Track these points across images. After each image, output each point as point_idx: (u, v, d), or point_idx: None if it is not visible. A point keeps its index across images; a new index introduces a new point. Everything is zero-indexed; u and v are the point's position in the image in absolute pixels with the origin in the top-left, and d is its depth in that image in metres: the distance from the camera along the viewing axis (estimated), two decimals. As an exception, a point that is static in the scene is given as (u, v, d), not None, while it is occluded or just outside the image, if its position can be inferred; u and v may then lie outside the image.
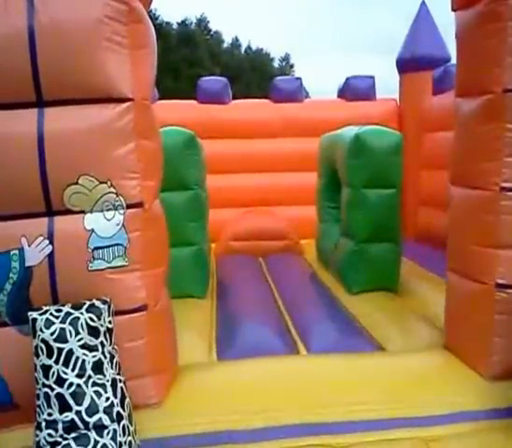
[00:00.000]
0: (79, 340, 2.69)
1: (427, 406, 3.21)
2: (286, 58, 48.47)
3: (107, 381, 2.73)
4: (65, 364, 2.65)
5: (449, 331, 3.85)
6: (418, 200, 8.24)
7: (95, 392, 2.68)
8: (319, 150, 7.19)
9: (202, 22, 42.19)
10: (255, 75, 39.64)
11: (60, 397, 2.63)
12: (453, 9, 3.63)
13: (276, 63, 46.98)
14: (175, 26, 39.11)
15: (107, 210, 2.97)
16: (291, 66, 48.77)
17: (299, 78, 9.57)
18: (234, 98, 9.41)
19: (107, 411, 2.69)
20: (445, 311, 3.89)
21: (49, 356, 2.65)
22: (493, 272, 3.34)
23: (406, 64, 8.69)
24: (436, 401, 3.25)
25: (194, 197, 5.51)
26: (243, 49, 44.10)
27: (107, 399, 2.70)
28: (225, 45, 43.23)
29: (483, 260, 3.39)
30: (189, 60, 35.85)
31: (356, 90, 9.30)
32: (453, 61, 8.02)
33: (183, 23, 40.14)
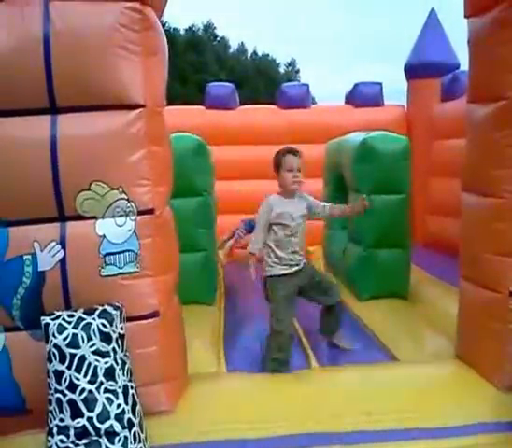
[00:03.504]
0: (92, 346, 2.69)
1: (440, 417, 3.17)
2: (292, 63, 48.62)
3: (119, 387, 2.73)
4: (78, 370, 2.66)
5: (462, 340, 3.80)
6: (426, 206, 8.22)
7: (107, 398, 2.68)
8: (325, 156, 7.17)
9: (209, 28, 42.41)
10: (261, 80, 39.76)
11: (72, 402, 2.64)
12: (466, 16, 3.60)
13: (281, 69, 47.11)
14: (182, 32, 39.35)
15: (119, 216, 2.98)
16: (297, 72, 48.87)
17: (306, 85, 9.58)
18: (240, 103, 9.42)
19: (119, 417, 2.69)
20: (457, 319, 3.85)
21: (62, 361, 2.66)
22: (507, 280, 3.30)
23: (415, 71, 8.69)
24: (449, 413, 3.20)
25: (203, 203, 5.50)
26: (249, 55, 44.27)
27: (119, 405, 2.70)
28: (231, 50, 43.41)
29: (496, 269, 3.35)
30: (196, 65, 36.01)
31: (364, 96, 9.31)
32: (462, 67, 8.03)
33: (190, 29, 40.38)
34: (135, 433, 2.73)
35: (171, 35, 34.42)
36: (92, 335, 2.70)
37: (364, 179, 5.50)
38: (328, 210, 4.20)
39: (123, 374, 2.77)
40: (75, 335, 2.67)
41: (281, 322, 3.93)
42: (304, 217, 4.08)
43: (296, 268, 4.05)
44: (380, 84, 9.44)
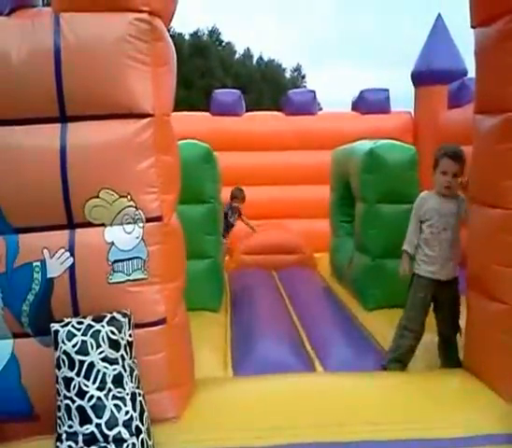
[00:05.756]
0: (100, 353, 2.71)
1: (445, 428, 3.13)
2: (297, 68, 48.60)
3: (127, 394, 2.75)
4: (87, 376, 2.68)
5: (469, 351, 3.78)
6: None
7: (115, 405, 2.70)
8: (331, 164, 7.17)
9: (214, 33, 42.49)
10: (266, 85, 39.82)
11: (81, 409, 2.66)
12: (472, 26, 3.61)
13: (287, 74, 47.13)
14: (187, 37, 39.43)
15: (127, 223, 3.00)
16: (303, 77, 48.84)
17: (312, 91, 9.62)
18: (246, 109, 9.45)
19: (127, 424, 2.70)
20: (464, 330, 3.84)
21: (71, 368, 2.68)
22: (514, 292, 3.28)
23: (422, 77, 8.70)
24: (455, 423, 3.17)
25: (211, 210, 5.53)
26: (255, 60, 44.30)
27: (127, 412, 2.72)
28: (237, 56, 43.45)
29: (504, 280, 3.32)
30: (201, 70, 36.07)
31: (370, 102, 9.33)
32: (470, 74, 8.02)
33: (195, 34, 40.46)
34: (142, 440, 2.74)
35: (176, 40, 34.52)
36: (101, 342, 2.72)
37: (371, 188, 5.51)
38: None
39: (131, 381, 2.79)
40: (84, 342, 2.70)
41: (409, 320, 4.05)
42: (454, 216, 4.00)
43: (442, 277, 4.03)
44: (387, 90, 9.46)
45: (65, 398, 2.67)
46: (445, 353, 4.14)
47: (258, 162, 8.95)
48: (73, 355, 2.68)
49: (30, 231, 2.99)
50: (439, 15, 8.79)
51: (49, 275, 2.96)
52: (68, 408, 2.66)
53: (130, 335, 2.87)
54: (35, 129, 2.95)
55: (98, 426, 2.65)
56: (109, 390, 2.69)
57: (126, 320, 2.86)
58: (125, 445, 2.67)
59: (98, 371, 2.69)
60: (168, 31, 3.23)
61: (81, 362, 2.68)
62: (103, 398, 2.67)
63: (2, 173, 2.93)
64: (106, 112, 2.98)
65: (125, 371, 2.76)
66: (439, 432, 3.11)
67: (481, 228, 3.55)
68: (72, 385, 2.66)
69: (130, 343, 2.85)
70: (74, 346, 2.68)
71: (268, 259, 7.51)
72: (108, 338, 2.75)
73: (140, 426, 2.75)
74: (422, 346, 4.30)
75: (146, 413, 2.84)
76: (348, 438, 3.07)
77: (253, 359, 4.26)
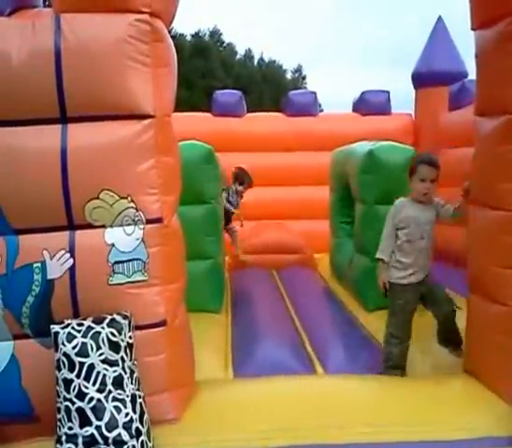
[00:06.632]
0: (100, 354, 2.71)
1: (446, 430, 3.13)
2: (298, 69, 48.66)
3: (127, 396, 2.74)
4: (87, 378, 2.67)
5: (470, 354, 3.77)
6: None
7: (115, 407, 2.69)
8: (331, 165, 7.17)
9: (215, 34, 42.56)
10: (267, 86, 39.91)
11: (81, 411, 2.66)
12: (472, 28, 3.61)
13: (288, 75, 47.19)
14: (188, 38, 39.50)
15: (127, 225, 3.00)
16: (304, 78, 48.88)
17: (313, 92, 9.63)
18: (247, 110, 9.47)
19: (127, 426, 2.70)
20: (466, 332, 3.83)
21: (71, 369, 2.67)
22: (514, 293, 3.27)
23: (422, 79, 8.71)
24: (456, 425, 3.16)
25: (211, 211, 5.52)
26: (256, 61, 44.35)
27: (127, 414, 2.71)
28: (238, 56, 43.51)
29: (504, 282, 3.33)
30: (202, 71, 36.12)
31: (371, 104, 9.34)
32: (470, 76, 8.02)
33: (197, 35, 40.53)
34: (142, 442, 2.74)
35: (177, 40, 34.58)
36: (101, 344, 2.72)
37: (370, 190, 5.51)
38: (451, 211, 3.99)
39: (132, 383, 2.79)
40: (84, 344, 2.70)
41: (393, 326, 4.03)
42: (431, 224, 4.01)
43: (415, 280, 4.02)
44: (388, 92, 9.47)
45: (65, 399, 2.67)
46: (445, 336, 4.11)
47: (258, 163, 8.89)
48: (73, 356, 2.67)
49: (30, 233, 2.98)
50: (440, 17, 8.80)
51: (49, 277, 2.96)
52: (68, 410, 2.66)
53: (130, 337, 2.87)
54: (36, 130, 2.95)
55: (98, 428, 2.65)
56: (109, 392, 2.69)
57: (126, 322, 2.86)
58: (125, 447, 2.66)
59: (98, 372, 2.69)
60: (169, 32, 3.23)
61: (81, 364, 2.67)
62: (103, 399, 2.67)
63: (2, 174, 2.93)
64: (106, 113, 2.98)
65: (125, 372, 2.76)
66: (440, 434, 3.10)
67: (481, 230, 3.55)
68: (72, 387, 2.66)
69: (130, 345, 2.85)
70: (74, 348, 2.68)
71: (269, 259, 7.50)
72: (108, 340, 2.74)
73: (140, 427, 2.75)
74: (421, 350, 4.31)
75: (146, 415, 2.84)
76: (348, 440, 3.06)
77: (254, 360, 4.25)
